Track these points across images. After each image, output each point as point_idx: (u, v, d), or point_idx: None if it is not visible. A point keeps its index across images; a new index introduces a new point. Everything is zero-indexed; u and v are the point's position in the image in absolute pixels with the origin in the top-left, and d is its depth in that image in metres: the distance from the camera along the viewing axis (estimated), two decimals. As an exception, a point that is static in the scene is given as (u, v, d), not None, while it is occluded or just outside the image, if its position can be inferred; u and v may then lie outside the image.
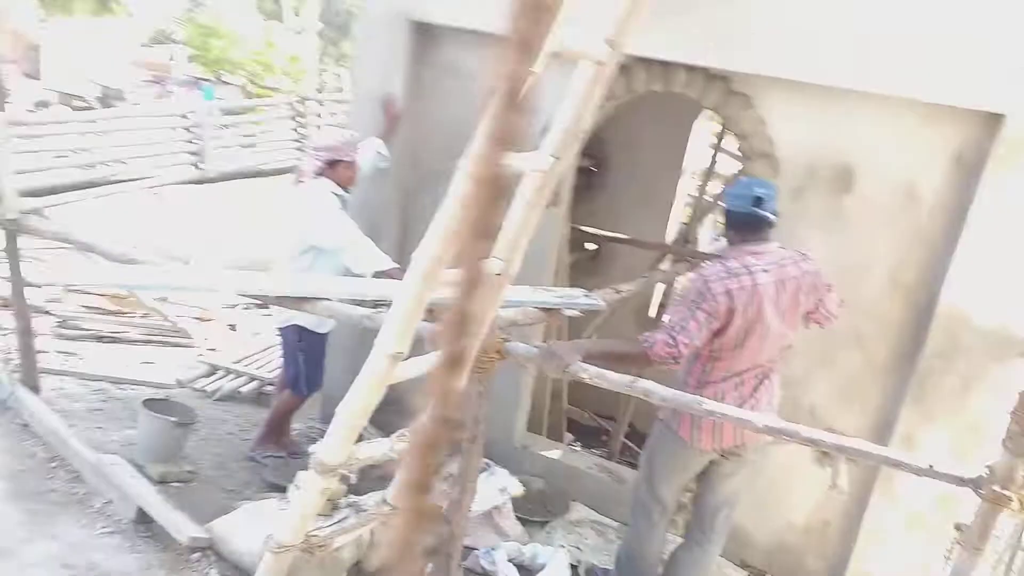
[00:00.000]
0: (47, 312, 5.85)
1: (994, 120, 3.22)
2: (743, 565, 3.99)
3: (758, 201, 2.94)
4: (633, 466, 5.21)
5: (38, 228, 4.06)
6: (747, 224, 2.99)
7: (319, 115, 7.99)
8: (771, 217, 2.98)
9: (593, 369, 2.77)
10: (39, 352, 4.49)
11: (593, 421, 6.22)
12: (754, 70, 3.53)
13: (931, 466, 2.37)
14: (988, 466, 2.26)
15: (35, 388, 4.25)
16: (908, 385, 3.49)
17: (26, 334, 4.21)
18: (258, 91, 21.45)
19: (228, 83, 22.77)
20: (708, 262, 3.06)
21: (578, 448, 5.41)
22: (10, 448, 3.75)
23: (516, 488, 4.08)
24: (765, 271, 2.92)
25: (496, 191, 0.48)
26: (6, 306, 4.83)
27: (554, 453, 4.58)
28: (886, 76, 3.26)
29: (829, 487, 2.88)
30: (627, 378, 2.71)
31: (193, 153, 7.51)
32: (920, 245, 3.48)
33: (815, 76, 3.39)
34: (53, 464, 3.70)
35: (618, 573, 3.53)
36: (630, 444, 5.84)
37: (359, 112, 4.45)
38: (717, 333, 2.93)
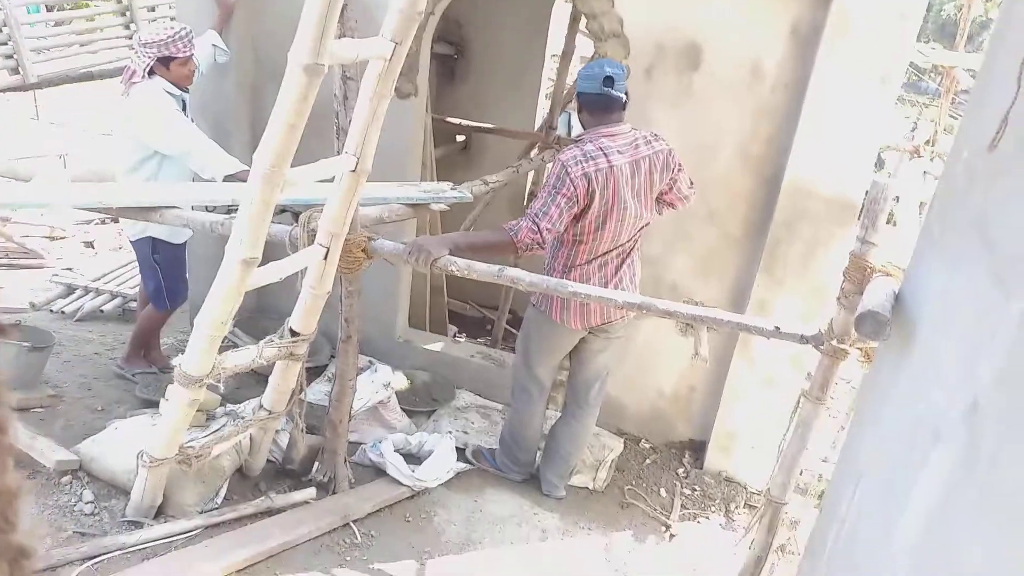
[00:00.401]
0: None
1: (827, -9, 3.32)
2: (619, 433, 4.24)
3: (609, 81, 2.95)
4: (514, 351, 5.38)
5: None
6: (599, 105, 3.01)
7: (151, 8, 7.23)
8: (622, 97, 3.01)
9: (461, 262, 2.79)
10: None
11: (476, 311, 6.32)
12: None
13: (777, 328, 2.55)
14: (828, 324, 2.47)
15: None
16: (760, 254, 3.70)
17: None
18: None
19: (53, -26, 20.39)
20: (567, 147, 3.08)
21: (462, 339, 5.51)
22: None
23: (400, 382, 4.14)
24: (620, 152, 2.98)
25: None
26: None
27: (437, 345, 4.64)
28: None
29: (692, 356, 3.06)
30: (495, 268, 2.75)
31: (8, 56, 6.66)
32: (766, 119, 3.62)
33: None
34: None
35: (503, 451, 3.70)
36: (512, 330, 5.99)
37: (186, 2, 4.10)
38: (578, 217, 2.99)
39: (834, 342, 2.44)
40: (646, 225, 3.18)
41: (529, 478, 3.73)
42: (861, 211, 2.34)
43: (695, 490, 3.95)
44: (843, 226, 3.53)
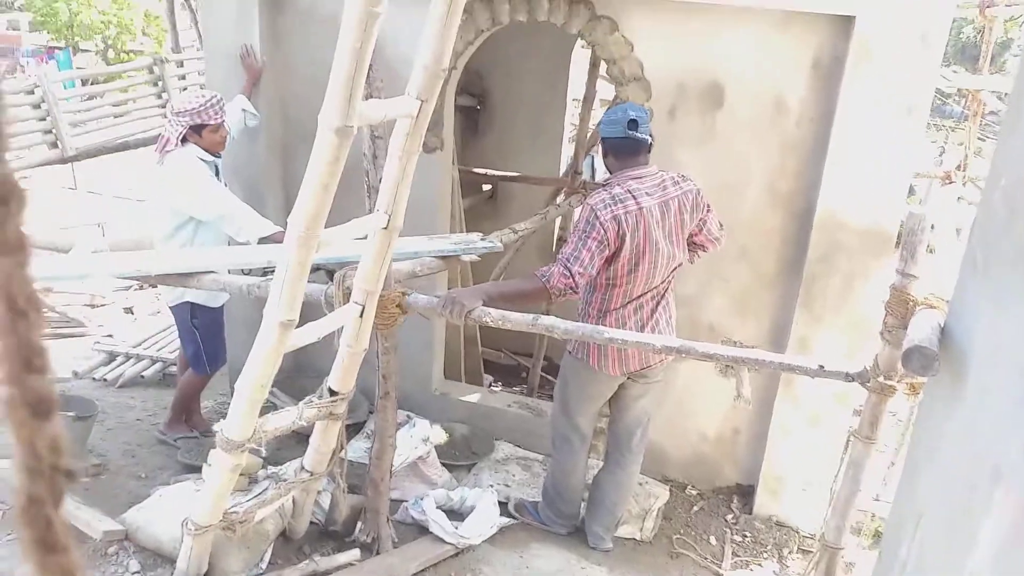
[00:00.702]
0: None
1: (846, 23, 3.32)
2: (664, 480, 4.16)
3: (633, 124, 2.98)
4: (553, 399, 5.33)
5: None
6: (625, 148, 3.04)
7: (182, 77, 7.44)
8: (647, 139, 3.03)
9: (495, 312, 2.79)
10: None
11: (511, 360, 6.30)
12: (614, -9, 3.52)
13: (821, 366, 2.50)
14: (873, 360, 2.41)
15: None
16: (796, 291, 3.65)
17: None
18: (119, 56, 20.02)
19: (86, 50, 21.14)
20: (594, 191, 3.10)
21: (498, 388, 5.48)
22: None
23: (439, 436, 4.11)
24: (648, 195, 2.99)
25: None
26: None
27: (473, 396, 4.62)
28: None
29: (735, 398, 3.01)
30: (529, 317, 2.75)
31: (46, 131, 6.86)
32: (793, 154, 3.60)
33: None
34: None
35: (546, 503, 3.64)
36: (549, 378, 5.95)
37: (215, 69, 4.22)
38: (610, 260, 2.99)
39: (881, 379, 2.38)
40: (679, 266, 3.16)
41: (574, 531, 3.65)
42: (898, 242, 2.30)
43: (746, 536, 3.84)
44: (879, 258, 3.48)
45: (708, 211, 3.16)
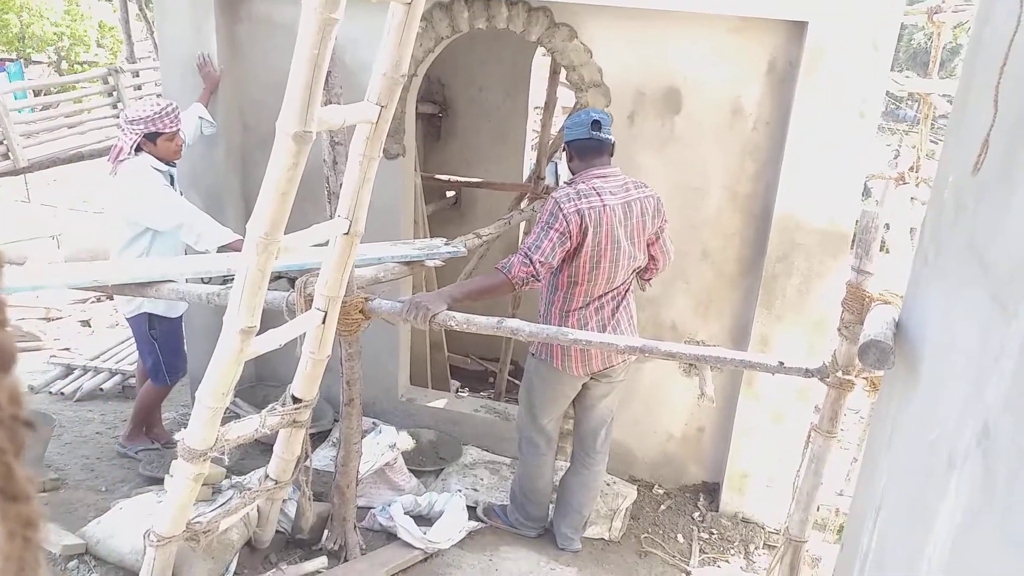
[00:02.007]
0: None
1: (799, 28, 3.39)
2: (631, 480, 4.19)
3: (596, 125, 3.02)
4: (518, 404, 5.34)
5: None
6: (589, 148, 3.07)
7: (138, 87, 7.33)
8: (610, 139, 3.08)
9: (460, 316, 2.79)
10: None
11: (477, 365, 6.30)
12: (571, -2, 3.55)
13: (781, 363, 2.55)
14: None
15: None
16: (757, 290, 3.71)
17: None
18: (73, 68, 19.64)
19: (38, 62, 20.70)
20: (559, 188, 3.12)
21: (465, 394, 5.47)
22: None
23: (405, 442, 4.08)
24: (612, 194, 3.02)
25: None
26: None
27: (440, 402, 4.61)
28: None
29: (698, 397, 3.04)
30: (494, 320, 2.76)
31: (-3, 143, 6.71)
32: (750, 158, 3.67)
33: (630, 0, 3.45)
34: None
35: (514, 507, 3.64)
36: (515, 382, 5.96)
37: (171, 79, 4.16)
38: (572, 256, 3.01)
39: (839, 374, 2.43)
40: (639, 268, 3.20)
41: (543, 532, 3.66)
42: (854, 241, 2.35)
43: (713, 533, 3.88)
44: (837, 257, 3.55)
45: (665, 221, 3.21)
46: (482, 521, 3.69)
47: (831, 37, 3.28)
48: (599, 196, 2.98)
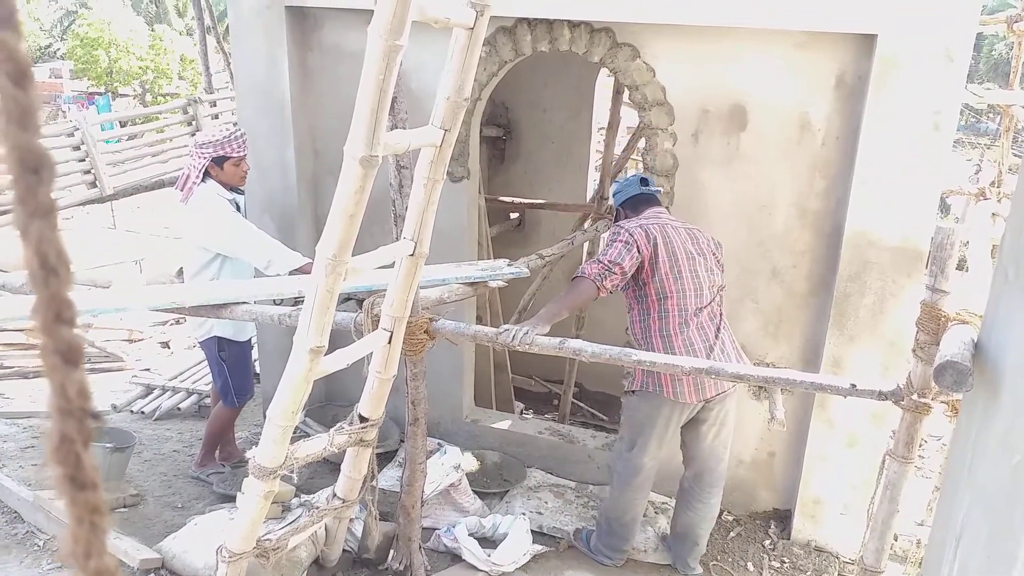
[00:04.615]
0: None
1: (868, 41, 3.31)
2: (698, 505, 4.09)
3: (644, 181, 3.31)
4: (585, 425, 5.30)
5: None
6: (641, 201, 3.35)
7: (215, 116, 7.65)
8: (660, 190, 3.37)
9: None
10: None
11: (542, 387, 6.28)
12: (635, 18, 3.54)
13: (853, 385, 2.46)
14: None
15: (-40, 434, 4.09)
16: (828, 310, 3.61)
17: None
18: (156, 99, 20.66)
19: (124, 95, 21.85)
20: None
21: (529, 415, 5.47)
22: (-59, 499, 3.61)
23: (470, 464, 4.11)
24: (673, 226, 3.19)
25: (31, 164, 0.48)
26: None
27: (504, 423, 4.61)
28: (762, 9, 3.32)
29: (768, 421, 2.96)
30: (555, 340, 2.76)
31: (86, 172, 7.06)
32: (820, 174, 3.58)
33: (694, 17, 3.43)
34: (-12, 508, 3.58)
35: (598, 535, 3.58)
36: (580, 404, 5.93)
37: (246, 107, 4.32)
38: (651, 270, 3.10)
39: (915, 397, 2.34)
40: (723, 288, 3.25)
41: (622, 564, 3.59)
42: (928, 259, 2.27)
43: (784, 562, 3.76)
44: (911, 275, 3.43)
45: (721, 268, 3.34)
46: (547, 545, 3.65)
47: (902, 49, 3.19)
48: (660, 223, 3.18)
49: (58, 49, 25.53)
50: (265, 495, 2.54)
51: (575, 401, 5.73)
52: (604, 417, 5.81)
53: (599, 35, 3.69)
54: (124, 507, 3.71)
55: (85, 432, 0.49)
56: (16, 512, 3.53)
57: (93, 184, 7.16)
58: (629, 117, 6.63)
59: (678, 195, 3.77)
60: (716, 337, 3.14)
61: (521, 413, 5.44)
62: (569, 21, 3.70)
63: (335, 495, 3.13)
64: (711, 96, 3.64)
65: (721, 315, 3.23)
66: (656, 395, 3.17)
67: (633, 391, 3.28)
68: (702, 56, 3.60)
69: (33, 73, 0.47)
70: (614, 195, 3.48)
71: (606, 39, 3.68)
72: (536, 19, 3.75)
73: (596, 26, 3.69)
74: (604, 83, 6.27)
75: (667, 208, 3.40)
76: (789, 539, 3.88)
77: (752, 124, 3.61)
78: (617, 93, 5.13)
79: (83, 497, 0.49)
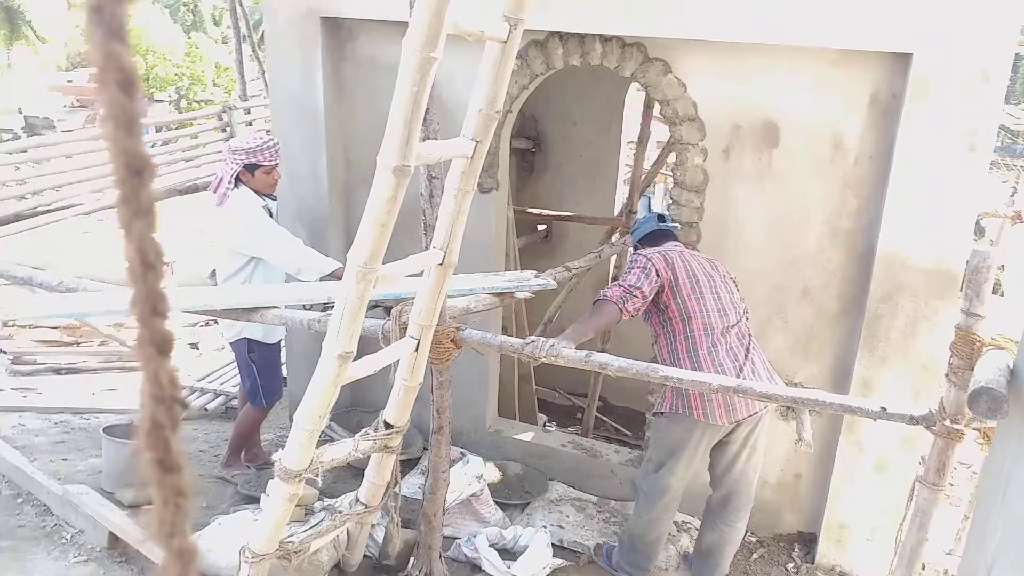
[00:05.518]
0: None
1: (903, 60, 3.28)
2: (721, 524, 4.05)
3: (661, 218, 3.44)
4: (608, 440, 5.28)
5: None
6: (660, 235, 3.44)
7: (249, 123, 7.78)
8: (677, 226, 3.49)
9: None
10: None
11: (566, 400, 6.27)
12: (667, 34, 3.54)
13: (884, 408, 2.43)
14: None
15: (-6, 428, 4.18)
16: (859, 331, 3.56)
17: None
18: (191, 106, 21.06)
19: (160, 100, 22.30)
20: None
21: (553, 428, 5.45)
22: (-27, 490, 3.69)
23: (492, 474, 4.11)
24: (691, 256, 3.28)
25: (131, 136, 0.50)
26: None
27: (527, 435, 4.60)
28: (795, 26, 3.30)
29: (796, 442, 2.93)
30: (581, 353, 2.76)
31: (120, 176, 7.25)
32: (852, 192, 3.55)
33: (727, 33, 3.42)
34: (19, 500, 3.65)
35: (620, 552, 3.56)
36: (603, 419, 5.90)
37: (280, 116, 4.38)
38: (672, 293, 3.11)
39: (947, 422, 2.30)
40: (746, 310, 3.27)
41: None
42: (963, 282, 2.24)
43: (807, 585, 3.71)
44: (944, 298, 3.38)
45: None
46: (567, 559, 3.64)
47: (938, 69, 3.16)
48: (678, 251, 3.28)
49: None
50: (290, 498, 2.57)
51: (599, 415, 5.71)
52: (628, 432, 5.78)
53: (630, 50, 3.70)
54: (150, 504, 3.75)
55: (174, 418, 0.52)
56: (46, 505, 3.59)
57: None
58: (659, 131, 6.62)
59: (708, 211, 3.75)
60: (746, 358, 3.12)
61: (544, 425, 5.42)
62: (601, 36, 3.71)
63: (358, 500, 3.14)
64: (743, 112, 3.63)
65: (750, 335, 3.23)
66: (686, 417, 3.14)
67: (662, 412, 3.26)
68: (734, 72, 3.58)
69: (139, 82, 0.50)
70: (632, 232, 3.63)
71: (637, 54, 3.69)
72: (568, 33, 3.77)
73: (628, 41, 3.69)
74: (634, 97, 6.28)
75: (692, 243, 3.57)
76: (813, 563, 3.83)
77: (784, 141, 3.59)
78: (648, 107, 5.13)
79: (170, 479, 0.52)
